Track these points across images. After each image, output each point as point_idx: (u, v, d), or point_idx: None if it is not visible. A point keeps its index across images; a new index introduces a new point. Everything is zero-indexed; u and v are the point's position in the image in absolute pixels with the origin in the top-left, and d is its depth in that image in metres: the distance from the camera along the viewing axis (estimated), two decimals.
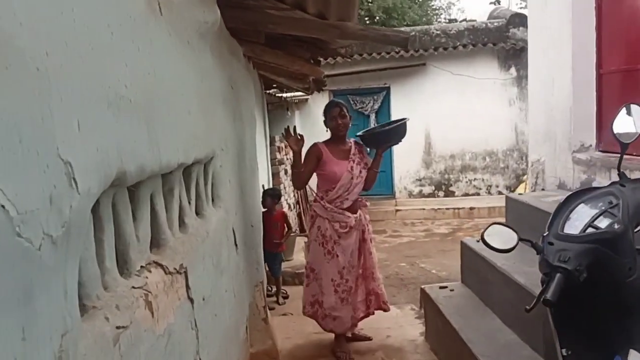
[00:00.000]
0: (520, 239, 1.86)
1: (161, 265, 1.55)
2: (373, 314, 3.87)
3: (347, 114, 3.59)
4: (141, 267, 1.44)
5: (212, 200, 2.62)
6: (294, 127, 3.74)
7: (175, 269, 1.65)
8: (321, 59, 5.16)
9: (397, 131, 3.66)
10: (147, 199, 1.54)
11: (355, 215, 3.52)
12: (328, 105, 3.68)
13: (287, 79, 6.50)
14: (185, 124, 1.87)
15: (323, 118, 3.68)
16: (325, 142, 3.63)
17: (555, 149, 4.08)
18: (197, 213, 2.29)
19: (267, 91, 7.61)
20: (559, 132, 3.95)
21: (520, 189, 9.57)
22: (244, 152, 3.50)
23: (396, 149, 10.09)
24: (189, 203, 2.12)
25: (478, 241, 3.98)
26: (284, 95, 8.36)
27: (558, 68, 3.85)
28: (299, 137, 3.55)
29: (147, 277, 1.41)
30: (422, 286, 4.78)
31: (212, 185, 2.60)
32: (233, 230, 2.96)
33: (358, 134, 3.77)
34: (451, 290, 3.93)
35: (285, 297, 5.77)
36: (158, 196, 1.66)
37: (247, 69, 4.23)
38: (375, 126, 4.36)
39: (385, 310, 3.91)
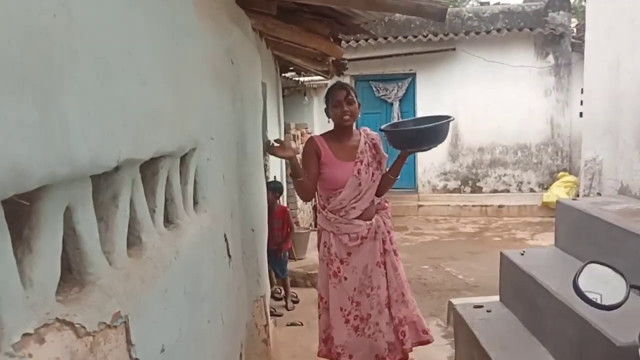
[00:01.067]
0: (631, 287, 1.25)
1: (71, 324, 0.97)
2: (411, 350, 2.91)
3: (355, 99, 2.82)
4: (25, 335, 0.86)
5: (196, 203, 2.05)
6: (275, 139, 3.16)
7: (104, 323, 1.07)
8: (342, 37, 4.53)
9: (438, 132, 2.79)
10: (53, 218, 0.97)
11: (368, 222, 2.80)
12: (331, 89, 2.92)
13: (305, 61, 5.90)
14: (136, 99, 1.28)
15: (324, 105, 2.97)
16: (326, 136, 2.90)
17: (618, 145, 3.41)
18: (168, 221, 1.74)
19: (283, 74, 7.02)
20: (626, 124, 3.28)
21: (556, 188, 8.87)
22: (245, 141, 2.91)
23: None
24: (153, 211, 1.55)
25: (522, 254, 3.36)
26: (302, 79, 7.75)
27: (628, 48, 3.18)
28: (284, 141, 2.99)
29: (30, 357, 0.84)
30: (451, 300, 4.18)
31: (196, 183, 2.02)
32: (225, 238, 2.38)
33: (383, 127, 2.96)
34: (488, 311, 3.31)
35: (296, 302, 5.22)
36: (81, 210, 1.08)
37: (255, 44, 3.63)
38: (404, 120, 3.20)
39: (426, 343, 3.04)
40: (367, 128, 3.02)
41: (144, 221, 1.44)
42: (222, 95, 2.50)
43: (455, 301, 4.02)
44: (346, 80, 9.74)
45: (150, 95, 1.41)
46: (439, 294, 5.46)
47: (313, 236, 6.58)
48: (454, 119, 2.80)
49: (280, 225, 5.08)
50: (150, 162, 1.51)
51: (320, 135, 2.96)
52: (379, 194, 2.91)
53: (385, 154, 2.96)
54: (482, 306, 3.39)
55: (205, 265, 1.95)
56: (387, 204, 3.02)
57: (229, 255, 2.43)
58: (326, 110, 2.94)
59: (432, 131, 2.77)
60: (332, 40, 4.47)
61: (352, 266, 2.80)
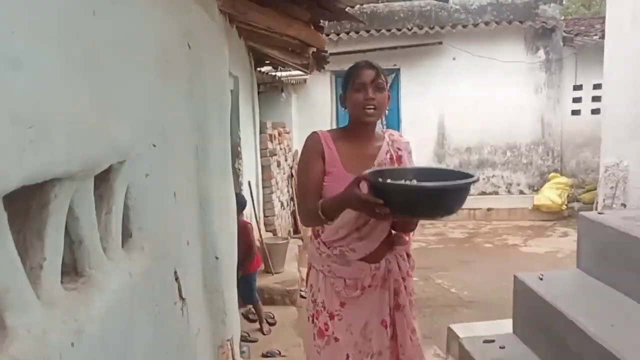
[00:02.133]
0: None
1: None
2: None
3: (386, 85, 2.02)
4: None
5: (129, 236, 1.47)
6: None
7: None
8: (324, 25, 3.96)
9: (461, 195, 1.75)
10: None
11: (375, 265, 2.00)
12: (353, 66, 2.05)
13: (282, 53, 5.32)
14: None
15: (341, 92, 2.12)
16: (335, 134, 2.10)
17: None
18: (77, 274, 1.17)
19: (259, 69, 6.42)
20: None
21: (547, 190, 8.43)
22: (207, 145, 2.32)
23: (407, 136, 8.93)
24: (40, 268, 0.98)
25: (541, 278, 2.84)
26: (279, 74, 7.16)
27: None
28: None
29: None
30: (451, 326, 3.66)
31: (127, 209, 1.44)
32: (176, 277, 1.80)
33: (366, 172, 1.77)
34: (501, 347, 2.78)
35: (272, 324, 4.62)
36: None
37: (221, 28, 3.04)
38: (396, 168, 2.06)
39: None
40: (394, 131, 2.22)
41: (15, 290, 0.87)
42: (174, 88, 1.91)
43: (456, 328, 3.51)
44: (326, 76, 9.19)
45: (27, 86, 0.83)
46: (431, 311, 4.94)
47: (292, 246, 6.01)
48: (478, 180, 1.83)
49: (242, 244, 4.49)
50: (39, 189, 0.94)
51: (328, 131, 2.12)
52: (396, 229, 2.05)
53: (412, 164, 2.18)
54: (493, 340, 2.86)
55: (138, 327, 1.36)
56: (407, 237, 2.12)
57: (182, 298, 1.85)
58: (341, 97, 2.11)
59: (454, 194, 1.71)
60: (312, 27, 3.90)
61: (347, 323, 2.03)
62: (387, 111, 2.08)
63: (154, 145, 1.58)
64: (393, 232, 2.06)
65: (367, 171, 1.78)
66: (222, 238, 2.44)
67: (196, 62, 2.23)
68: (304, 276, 2.47)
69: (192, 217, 2.12)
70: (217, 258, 2.33)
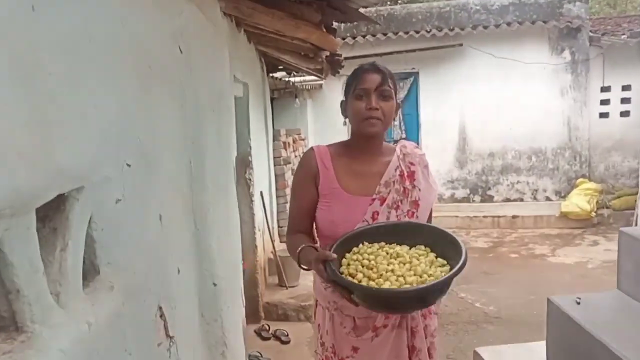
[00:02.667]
0: None
1: None
2: None
3: (393, 92, 1.72)
4: None
5: (98, 272, 1.26)
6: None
7: None
8: (336, 27, 3.73)
9: (442, 288, 1.46)
10: None
11: None
12: (357, 69, 1.77)
13: (294, 58, 5.09)
14: None
15: (342, 97, 1.84)
16: (336, 149, 1.83)
17: None
18: (17, 329, 0.95)
19: (272, 74, 6.21)
20: None
21: (575, 196, 8.05)
22: (204, 159, 2.10)
23: (424, 143, 8.66)
24: None
25: (578, 302, 2.54)
26: (292, 79, 6.94)
27: None
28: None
29: None
30: (477, 349, 3.38)
31: (94, 242, 1.22)
32: (161, 313, 1.57)
33: (335, 244, 1.58)
34: None
35: (286, 342, 4.38)
36: None
37: (222, 31, 2.82)
38: (379, 224, 1.69)
39: None
40: (408, 143, 1.91)
41: None
42: (159, 96, 1.69)
43: (483, 352, 3.22)
44: (341, 81, 8.93)
45: None
46: (454, 328, 4.65)
47: None
48: (462, 268, 1.47)
49: None
50: None
51: (328, 146, 1.85)
52: None
53: (433, 186, 1.84)
54: None
55: None
56: None
57: (169, 337, 1.62)
58: (342, 105, 1.84)
59: (426, 294, 1.43)
60: (324, 29, 3.66)
61: None
62: (394, 122, 1.79)
63: (128, 165, 1.35)
64: None
65: (334, 245, 1.57)
66: (222, 261, 2.21)
67: (189, 67, 2.01)
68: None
69: (184, 240, 1.89)
70: (215, 285, 2.10)
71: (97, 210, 1.20)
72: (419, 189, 1.78)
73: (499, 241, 7.63)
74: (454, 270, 1.44)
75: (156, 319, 1.51)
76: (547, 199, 8.75)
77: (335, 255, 1.50)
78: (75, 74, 1.09)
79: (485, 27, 8.42)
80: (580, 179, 8.44)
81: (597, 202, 8.05)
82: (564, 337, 2.48)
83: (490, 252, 7.18)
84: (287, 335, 4.44)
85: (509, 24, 8.37)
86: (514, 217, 8.25)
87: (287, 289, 5.07)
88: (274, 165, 5.87)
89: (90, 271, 1.24)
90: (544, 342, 2.80)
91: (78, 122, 1.10)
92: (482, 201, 8.96)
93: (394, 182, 1.76)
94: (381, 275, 1.46)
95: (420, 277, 1.45)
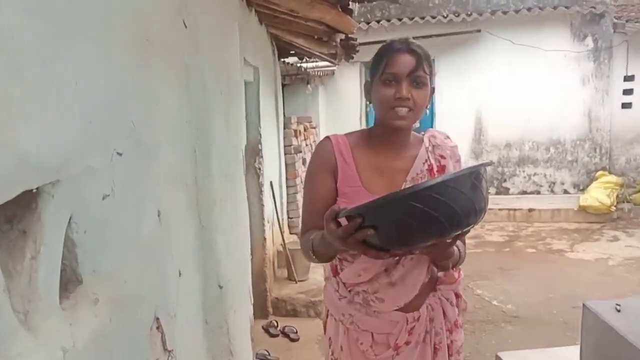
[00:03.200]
0: None
1: None
2: None
3: (427, 75, 1.45)
4: None
5: (80, 282, 1.06)
6: None
7: None
8: (353, 6, 3.48)
9: (472, 188, 1.14)
10: None
11: (412, 314, 1.50)
12: (387, 48, 1.48)
13: (307, 41, 4.85)
14: None
15: (367, 78, 1.56)
16: (356, 139, 1.57)
17: None
18: None
19: (283, 59, 5.98)
20: None
21: (595, 190, 7.78)
22: (210, 147, 1.89)
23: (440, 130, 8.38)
24: None
25: (619, 310, 2.32)
26: (305, 65, 6.70)
27: None
28: None
29: None
30: (499, 354, 3.16)
31: (76, 247, 1.02)
32: (158, 325, 1.37)
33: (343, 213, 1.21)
34: None
35: (295, 340, 4.19)
36: None
37: (232, 7, 2.60)
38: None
39: None
40: (437, 132, 1.65)
41: None
42: (160, 76, 1.47)
43: (506, 357, 3.01)
44: (355, 67, 8.70)
45: None
46: (471, 327, 4.43)
47: None
48: (492, 163, 1.31)
49: None
50: None
51: (347, 135, 1.58)
52: (440, 265, 1.48)
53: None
54: None
55: None
56: (457, 275, 1.60)
57: (166, 351, 1.42)
58: (367, 86, 1.56)
59: (463, 189, 1.13)
60: (340, 9, 3.43)
61: None
62: (426, 111, 1.51)
63: (119, 154, 1.14)
64: (435, 267, 1.53)
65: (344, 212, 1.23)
66: (229, 260, 2.01)
67: (194, 44, 1.79)
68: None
69: (187, 238, 1.69)
70: (220, 287, 1.90)
71: (78, 209, 1.00)
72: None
73: (514, 235, 7.39)
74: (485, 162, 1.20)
75: (152, 332, 1.31)
76: (565, 192, 8.48)
77: (341, 206, 1.23)
78: (49, 42, 0.88)
79: (505, 13, 8.12)
80: (600, 172, 8.16)
81: (617, 196, 7.77)
82: (602, 347, 2.26)
83: (507, 246, 6.94)
84: (296, 332, 4.25)
85: (529, 9, 8.06)
86: (530, 210, 7.99)
87: (296, 283, 4.88)
88: (285, 154, 5.66)
89: (71, 281, 1.04)
90: (573, 348, 2.60)
91: (52, 101, 0.88)
92: (497, 193, 8.70)
93: (422, 176, 1.53)
94: None
95: None
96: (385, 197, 1.14)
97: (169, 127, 1.53)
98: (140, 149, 1.27)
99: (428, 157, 1.55)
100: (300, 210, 1.68)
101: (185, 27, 1.73)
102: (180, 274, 1.59)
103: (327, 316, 1.66)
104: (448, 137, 1.66)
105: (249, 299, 2.38)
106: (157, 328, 1.37)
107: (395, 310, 1.49)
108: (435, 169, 1.55)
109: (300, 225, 1.62)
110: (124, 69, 1.19)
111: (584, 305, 2.47)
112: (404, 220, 1.11)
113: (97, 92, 1.05)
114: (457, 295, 1.61)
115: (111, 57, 1.13)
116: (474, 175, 1.15)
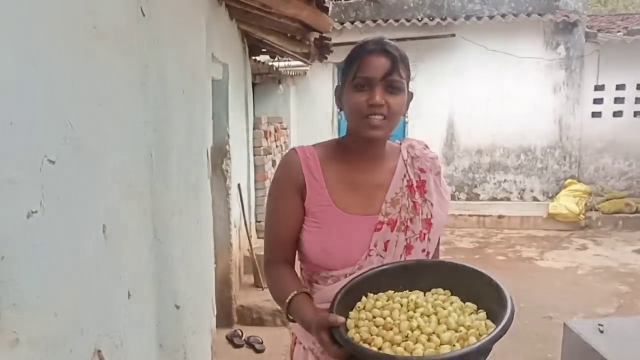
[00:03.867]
0: None
1: None
2: None
3: (404, 80, 1.31)
4: None
5: None
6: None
7: None
8: (329, 4, 3.32)
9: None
10: None
11: None
12: (360, 49, 1.33)
13: (280, 39, 4.67)
14: None
15: (339, 82, 1.39)
16: (326, 150, 1.41)
17: None
18: None
19: (254, 57, 5.78)
20: None
21: (564, 197, 7.80)
22: (169, 151, 1.69)
23: (412, 136, 8.30)
24: None
25: (602, 330, 2.21)
26: (276, 64, 6.52)
27: None
28: None
29: None
30: None
31: None
32: (100, 356, 1.18)
33: (337, 295, 1.21)
34: None
35: (260, 351, 4.00)
36: None
37: (201, 0, 2.40)
38: (386, 266, 1.30)
39: None
40: (415, 141, 1.50)
41: None
42: (111, 68, 1.28)
43: None
44: (328, 68, 8.54)
45: None
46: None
47: None
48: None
49: None
50: None
51: (315, 146, 1.42)
52: None
53: (445, 197, 1.45)
54: None
55: None
56: None
57: None
58: (337, 92, 1.41)
59: None
60: (315, 6, 3.26)
61: None
62: (405, 118, 1.37)
63: (51, 162, 0.95)
64: None
65: (335, 302, 1.17)
66: (189, 277, 1.81)
67: (154, 36, 1.60)
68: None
69: (139, 255, 1.50)
70: (177, 307, 1.71)
71: None
72: (431, 204, 1.39)
73: (484, 242, 7.34)
74: (507, 317, 1.06)
75: None
76: (535, 199, 8.50)
77: (342, 319, 1.10)
78: None
79: (479, 18, 8.07)
80: (569, 180, 8.20)
81: (585, 204, 7.82)
82: None
83: (477, 253, 6.89)
84: (262, 342, 4.06)
85: (503, 15, 8.03)
86: (500, 216, 7.97)
87: (263, 289, 4.68)
88: (254, 156, 5.47)
89: None
90: None
91: None
92: (467, 199, 8.67)
93: (402, 194, 1.37)
94: (407, 336, 1.07)
95: (457, 331, 1.07)
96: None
97: (119, 129, 1.34)
98: (80, 154, 1.07)
99: (407, 171, 1.40)
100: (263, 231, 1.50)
101: (143, 15, 1.54)
102: (129, 295, 1.39)
103: (294, 343, 1.48)
104: (427, 147, 1.51)
105: (211, 317, 2.19)
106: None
107: None
108: (414, 184, 1.39)
109: (263, 249, 1.43)
110: (59, 60, 1.00)
111: (565, 325, 2.36)
112: None
113: (19, 88, 0.86)
114: None
115: (42, 45, 0.94)
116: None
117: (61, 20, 1.01)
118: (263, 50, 5.64)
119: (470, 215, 8.09)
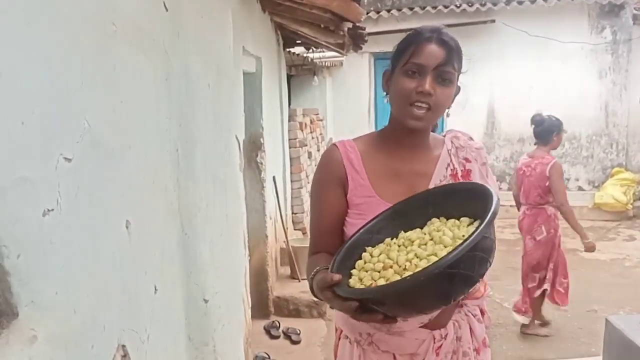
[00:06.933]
0: None
1: None
2: None
3: (455, 73, 1.30)
4: None
5: (16, 316, 0.87)
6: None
7: None
8: None
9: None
10: None
11: (439, 331, 1.33)
12: (415, 36, 1.30)
13: (313, 30, 4.64)
14: None
15: (390, 67, 1.37)
16: (367, 142, 1.41)
17: None
18: None
19: (289, 49, 5.77)
20: None
21: (610, 187, 7.53)
22: (195, 147, 1.69)
23: (449, 127, 8.15)
24: None
25: None
26: (311, 55, 6.49)
27: None
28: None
29: None
30: None
31: (8, 275, 0.84)
32: (124, 352, 1.19)
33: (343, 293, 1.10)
34: None
35: (297, 342, 4.02)
36: None
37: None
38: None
39: None
40: (460, 132, 1.49)
41: None
42: (132, 64, 1.28)
43: None
44: (364, 58, 8.45)
45: None
46: None
47: None
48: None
49: None
50: None
51: (355, 140, 1.42)
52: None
53: (494, 182, 1.43)
54: None
55: None
56: (484, 289, 1.43)
57: None
58: (385, 77, 1.39)
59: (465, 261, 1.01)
60: None
61: None
62: (448, 111, 1.34)
63: (67, 159, 0.95)
64: None
65: (334, 263, 1.18)
66: (216, 271, 1.82)
67: (177, 30, 1.60)
68: None
69: (165, 249, 1.50)
70: (206, 301, 1.71)
71: (9, 229, 0.81)
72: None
73: None
74: (489, 214, 1.05)
75: None
76: (580, 188, 8.23)
77: (338, 276, 1.11)
78: None
79: (520, 3, 7.83)
80: (617, 169, 7.89)
81: (633, 193, 7.53)
82: None
83: (518, 244, 6.70)
84: (299, 334, 4.08)
85: None
86: None
87: (299, 281, 4.70)
88: (289, 148, 5.46)
89: (6, 314, 0.86)
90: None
91: None
92: (509, 189, 8.46)
93: (446, 178, 1.38)
94: (405, 268, 1.07)
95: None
96: (393, 284, 1.03)
97: (142, 125, 1.34)
98: (99, 151, 1.08)
99: (451, 160, 1.40)
100: (307, 217, 1.50)
101: (166, 9, 1.54)
102: (156, 290, 1.40)
103: (338, 338, 1.47)
104: (472, 138, 1.50)
105: (242, 310, 2.20)
106: (124, 357, 1.19)
107: (421, 327, 1.32)
108: (459, 173, 1.39)
109: (308, 237, 1.46)
110: (75, 57, 1.00)
111: (606, 320, 2.27)
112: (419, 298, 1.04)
113: (34, 85, 0.86)
114: (482, 312, 1.45)
115: (57, 42, 0.94)
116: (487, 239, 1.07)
117: (79, 18, 1.02)
118: (298, 42, 5.62)
119: (512, 206, 7.84)
